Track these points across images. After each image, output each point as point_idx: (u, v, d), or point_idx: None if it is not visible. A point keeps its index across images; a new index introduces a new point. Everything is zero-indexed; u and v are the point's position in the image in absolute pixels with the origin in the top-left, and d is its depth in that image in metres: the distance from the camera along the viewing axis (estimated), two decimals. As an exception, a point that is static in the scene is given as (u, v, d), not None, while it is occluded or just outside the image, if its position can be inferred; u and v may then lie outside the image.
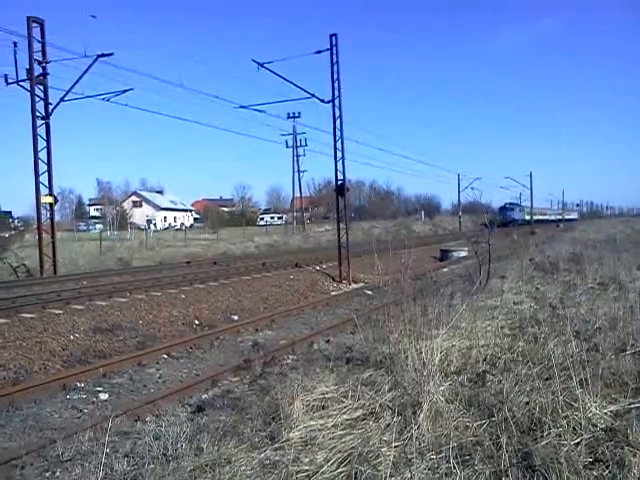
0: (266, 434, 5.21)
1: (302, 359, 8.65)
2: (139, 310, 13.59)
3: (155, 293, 15.23)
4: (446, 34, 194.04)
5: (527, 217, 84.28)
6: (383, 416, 5.39)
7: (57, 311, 12.44)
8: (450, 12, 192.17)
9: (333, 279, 21.33)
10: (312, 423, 5.31)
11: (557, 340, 7.06)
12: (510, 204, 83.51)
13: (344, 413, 5.51)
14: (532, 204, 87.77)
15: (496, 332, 8.16)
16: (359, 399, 5.82)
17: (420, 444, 4.68)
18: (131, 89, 22.20)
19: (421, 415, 5.11)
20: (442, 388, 5.72)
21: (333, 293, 19.52)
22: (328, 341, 10.87)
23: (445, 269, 25.13)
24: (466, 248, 28.88)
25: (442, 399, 5.43)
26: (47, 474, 5.04)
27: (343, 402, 5.79)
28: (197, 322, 13.91)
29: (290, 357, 9.35)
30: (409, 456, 4.47)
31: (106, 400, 8.21)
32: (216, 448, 4.76)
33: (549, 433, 4.52)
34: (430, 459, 4.43)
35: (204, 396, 7.73)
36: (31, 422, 7.24)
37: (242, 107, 25.17)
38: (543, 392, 5.19)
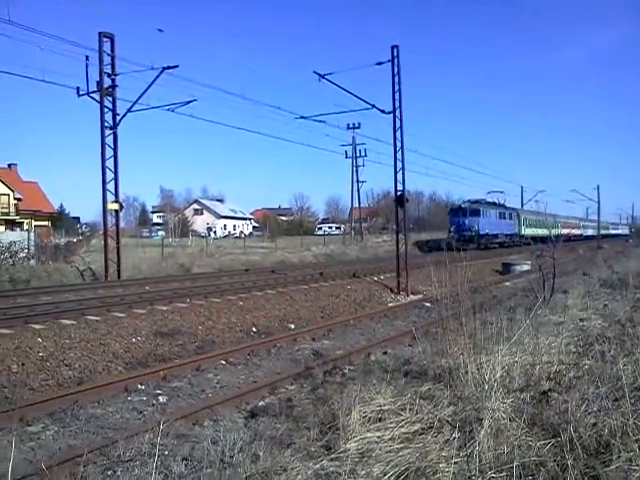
0: (322, 444, 5.17)
1: (359, 370, 8.59)
2: (198, 316, 13.83)
3: (214, 299, 15.47)
4: (511, 44, 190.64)
5: (528, 231, 55.39)
6: (442, 431, 5.27)
7: (120, 314, 12.79)
8: (512, 22, 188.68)
9: (391, 290, 21.16)
10: (369, 435, 5.24)
11: (627, 359, 6.75)
12: (475, 203, 47.35)
13: (402, 426, 5.42)
14: (599, 218, 76.07)
15: (561, 349, 7.88)
16: (417, 413, 5.72)
17: (481, 462, 4.54)
18: (194, 100, 22.66)
19: (482, 432, 4.96)
20: (504, 405, 5.54)
21: (391, 304, 19.34)
22: (385, 353, 10.75)
23: (507, 283, 24.53)
24: (529, 262, 28.14)
25: (504, 416, 5.26)
26: (109, 472, 5.16)
27: (401, 415, 5.70)
28: (254, 329, 14.04)
29: (347, 367, 9.30)
30: (469, 474, 4.36)
31: (165, 403, 8.37)
32: (272, 456, 4.75)
33: (619, 457, 4.30)
34: (491, 477, 4.29)
35: (261, 403, 7.78)
36: (95, 421, 7.44)
37: (302, 118, 25.46)
38: (612, 413, 4.95)
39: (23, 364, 9.41)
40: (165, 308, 13.91)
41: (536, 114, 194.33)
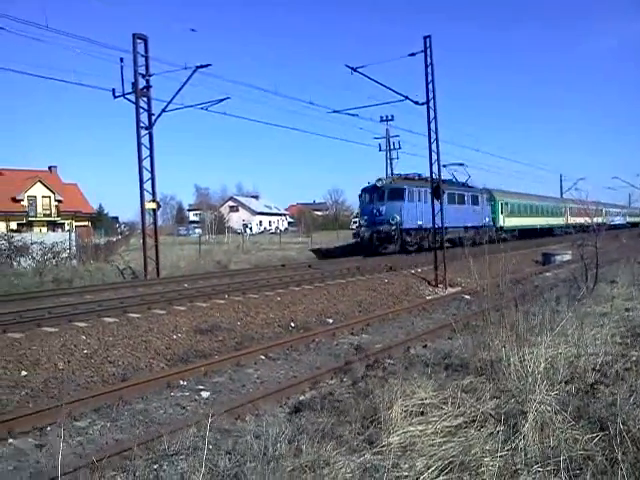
0: (364, 438, 5.17)
1: (399, 364, 8.55)
2: (237, 312, 13.94)
3: (252, 295, 15.58)
4: (548, 32, 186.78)
5: (511, 221, 42.32)
6: (485, 425, 5.21)
7: (161, 311, 12.98)
8: (550, 9, 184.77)
9: (429, 283, 21.00)
10: (411, 429, 5.22)
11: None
12: (404, 179, 32.55)
13: (444, 420, 5.38)
14: None
15: (606, 340, 7.71)
16: (459, 406, 5.67)
17: (526, 455, 4.48)
18: (228, 98, 22.68)
19: (526, 425, 4.89)
20: (548, 398, 5.44)
21: (429, 297, 19.20)
22: (425, 346, 10.69)
23: (548, 273, 24.12)
24: (570, 251, 27.57)
25: (549, 409, 5.17)
26: (155, 466, 5.24)
27: (443, 409, 5.66)
28: (293, 324, 14.09)
29: (387, 361, 9.27)
30: (515, 467, 4.29)
31: (207, 398, 8.46)
32: (315, 449, 4.77)
33: (671, 450, 4.19)
34: (537, 472, 4.23)
35: (302, 397, 7.81)
36: (139, 416, 7.58)
37: (335, 112, 25.27)
38: (663, 406, 4.82)
39: (69, 361, 9.63)
40: (204, 305, 14.06)
41: (573, 103, 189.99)
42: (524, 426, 4.89)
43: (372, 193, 30.29)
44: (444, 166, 34.87)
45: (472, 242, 32.70)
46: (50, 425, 7.03)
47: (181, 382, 9.12)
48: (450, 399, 5.80)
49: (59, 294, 16.85)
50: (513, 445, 4.64)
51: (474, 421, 5.30)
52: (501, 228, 39.85)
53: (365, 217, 30.29)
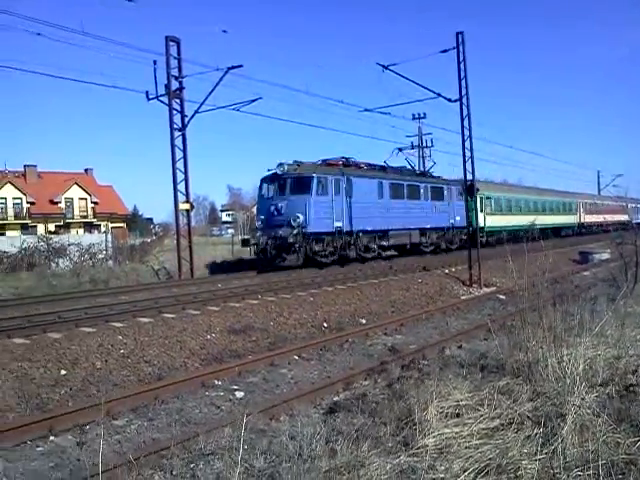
0: (400, 439, 5.15)
1: (434, 365, 8.48)
2: (270, 312, 13.99)
3: (285, 295, 15.62)
4: (584, 25, 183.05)
5: (498, 220, 35.31)
6: (523, 427, 5.14)
7: (195, 312, 13.11)
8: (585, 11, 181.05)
9: (463, 283, 20.79)
10: (447, 431, 5.17)
11: None
12: (321, 165, 23.68)
13: (480, 422, 5.32)
14: None
15: (648, 341, 7.52)
16: (496, 408, 5.60)
17: (565, 459, 4.39)
18: (259, 98, 22.70)
19: (565, 428, 4.80)
20: (588, 400, 5.34)
21: (463, 297, 19.00)
22: (460, 347, 10.59)
23: (586, 272, 23.66)
24: (608, 250, 27.01)
25: (588, 412, 5.07)
26: (191, 465, 5.30)
27: (479, 410, 5.60)
28: (326, 325, 14.09)
29: (421, 362, 9.21)
30: (553, 471, 4.22)
31: (242, 398, 8.52)
32: (350, 451, 4.76)
33: None
34: (577, 476, 4.15)
35: (336, 398, 7.81)
36: (175, 416, 7.66)
37: (367, 110, 25.25)
38: None
39: (106, 361, 9.80)
40: (237, 305, 14.15)
41: (613, 101, 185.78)
42: (563, 429, 4.80)
43: (273, 184, 22.36)
44: (399, 150, 31.35)
45: (434, 249, 29.08)
46: (89, 423, 7.17)
47: (216, 382, 9.19)
48: (486, 401, 5.73)
49: (96, 295, 17.15)
50: (551, 448, 4.56)
51: (511, 423, 5.23)
52: (481, 229, 30.99)
53: (262, 217, 22.38)
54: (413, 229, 26.93)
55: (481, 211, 32.05)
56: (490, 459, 4.51)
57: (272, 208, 21.73)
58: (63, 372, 9.06)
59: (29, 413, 7.73)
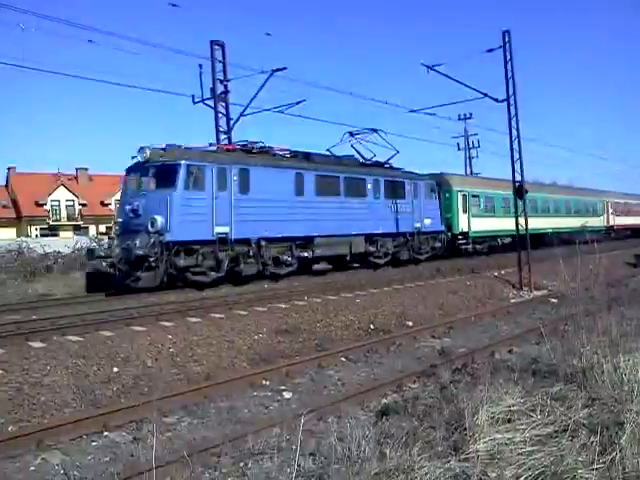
0: (449, 444, 5.08)
1: (483, 369, 8.34)
2: (316, 313, 14.02)
3: (331, 297, 15.62)
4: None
5: (481, 223, 28.67)
6: (578, 435, 5.01)
7: (242, 312, 13.23)
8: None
9: (513, 286, 20.39)
10: (498, 436, 5.08)
11: None
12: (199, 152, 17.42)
13: (533, 428, 5.21)
14: None
15: None
16: (549, 415, 5.48)
17: (624, 469, 4.25)
18: (304, 100, 22.64)
19: (624, 437, 4.65)
20: (647, 408, 5.16)
21: (513, 301, 18.65)
22: (511, 351, 10.39)
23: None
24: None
25: (648, 420, 4.90)
26: (241, 464, 5.35)
27: (531, 416, 5.49)
28: (372, 327, 14.02)
29: (471, 366, 9.07)
30: (612, 481, 4.09)
31: (289, 399, 8.55)
32: (399, 454, 4.72)
33: None
34: (637, 487, 4.01)
35: (384, 401, 7.76)
36: (224, 415, 7.75)
37: (412, 111, 25.02)
38: None
39: (156, 359, 9.99)
40: (284, 306, 14.22)
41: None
42: (621, 438, 4.66)
43: (135, 175, 17.12)
44: (352, 134, 24.15)
45: (390, 260, 23.22)
46: (142, 420, 7.32)
47: (264, 382, 9.25)
48: (539, 407, 5.62)
49: (146, 294, 17.44)
50: (609, 458, 4.42)
51: (565, 430, 5.11)
52: (465, 235, 27.66)
53: (119, 220, 17.12)
54: (356, 235, 21.21)
55: (464, 212, 27.73)
56: (544, 467, 4.41)
57: (128, 208, 16.33)
58: (115, 369, 9.27)
59: (84, 409, 7.94)
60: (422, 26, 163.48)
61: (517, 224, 21.51)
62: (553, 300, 17.16)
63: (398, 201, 23.43)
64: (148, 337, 10.67)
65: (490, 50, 20.85)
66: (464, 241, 27.98)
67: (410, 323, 14.62)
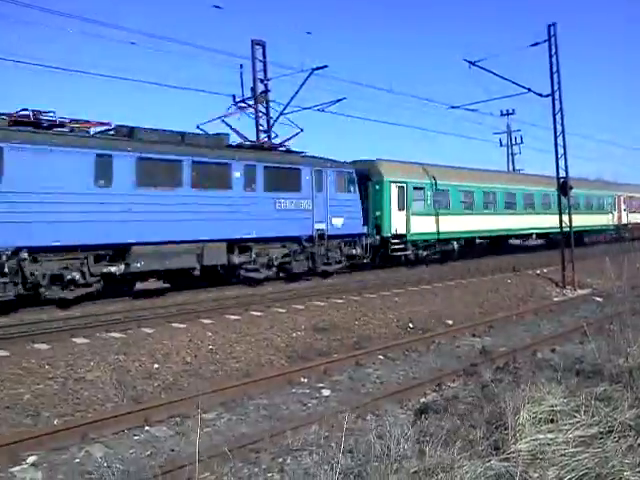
0: (490, 443, 5.00)
1: (525, 368, 8.19)
2: (354, 311, 13.99)
3: (369, 295, 15.58)
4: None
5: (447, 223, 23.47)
6: (624, 436, 4.86)
7: (280, 310, 13.31)
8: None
9: (556, 284, 19.97)
10: (540, 436, 4.98)
11: None
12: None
13: (577, 429, 5.09)
14: None
15: None
16: (593, 415, 5.35)
17: (673, 472, 4.11)
18: (344, 98, 22.52)
19: (673, 439, 4.50)
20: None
21: (556, 299, 18.26)
22: (553, 350, 10.18)
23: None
24: None
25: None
26: (279, 460, 5.37)
27: (575, 417, 5.36)
28: (411, 325, 13.92)
29: (512, 365, 8.92)
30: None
31: (328, 396, 8.55)
32: (438, 453, 4.67)
33: None
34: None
35: (423, 399, 7.69)
36: (263, 411, 7.79)
37: (453, 107, 24.77)
38: None
39: (196, 356, 10.11)
40: (322, 304, 14.24)
41: None
42: (670, 440, 4.51)
43: None
44: (238, 103, 20.58)
45: (276, 273, 17.93)
46: (179, 416, 7.41)
47: (302, 379, 9.27)
48: (583, 407, 5.49)
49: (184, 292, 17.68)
50: (657, 460, 4.28)
51: (611, 432, 4.98)
52: (401, 238, 21.75)
53: None
54: (209, 241, 15.85)
55: (401, 209, 21.74)
56: (588, 468, 4.30)
57: None
58: (156, 366, 9.42)
59: (125, 403, 8.09)
60: (463, 21, 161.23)
61: (561, 221, 21.04)
62: (598, 299, 16.77)
63: (289, 195, 17.65)
64: (188, 334, 10.82)
65: (535, 44, 20.48)
66: (401, 246, 21.96)
67: (450, 321, 14.46)
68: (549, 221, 26.75)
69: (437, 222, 23.33)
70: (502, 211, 27.20)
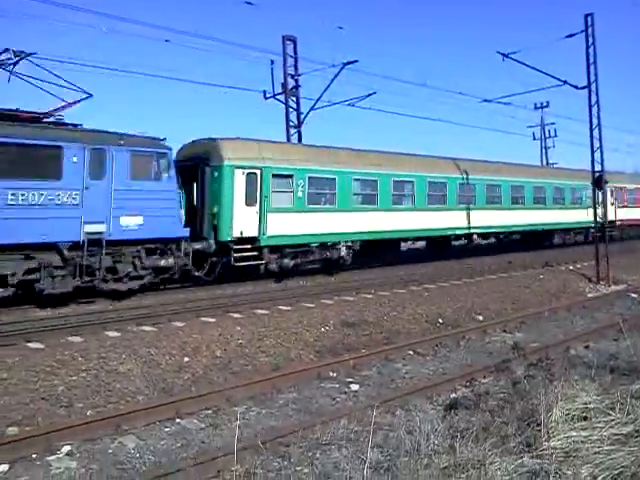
0: (521, 440, 4.94)
1: (558, 365, 8.05)
2: (383, 306, 13.91)
3: (398, 290, 15.49)
4: None
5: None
6: (661, 435, 4.74)
7: (309, 304, 13.31)
8: None
9: (589, 280, 19.58)
10: (573, 434, 4.89)
11: None
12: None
13: (611, 427, 5.00)
14: None
15: None
16: (629, 413, 5.23)
17: None
18: (374, 93, 22.48)
19: None
20: None
21: (589, 295, 17.91)
22: (587, 347, 9.99)
23: None
24: None
25: None
26: (309, 454, 5.37)
27: (609, 415, 5.25)
28: (441, 321, 13.79)
29: (545, 362, 8.77)
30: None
31: (357, 391, 8.53)
32: (469, 449, 4.62)
33: None
34: None
35: (453, 395, 7.62)
36: (292, 405, 7.82)
37: (486, 101, 24.54)
38: None
39: (225, 350, 10.17)
40: (351, 299, 14.21)
41: None
42: None
43: None
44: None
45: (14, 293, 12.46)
46: (209, 409, 7.48)
47: (331, 374, 9.27)
48: (618, 405, 5.38)
49: (215, 287, 17.77)
50: (697, 460, 4.17)
51: (647, 430, 4.85)
52: (252, 243, 15.99)
53: None
54: None
55: (251, 204, 15.95)
56: (624, 467, 4.22)
57: None
58: (186, 359, 9.50)
59: (156, 396, 8.19)
60: (496, 14, 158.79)
61: (595, 216, 20.66)
62: (633, 295, 16.42)
63: (35, 184, 12.00)
64: (218, 328, 10.89)
65: (570, 35, 20.08)
66: (252, 254, 16.09)
67: (480, 317, 14.30)
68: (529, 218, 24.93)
69: (310, 220, 17.31)
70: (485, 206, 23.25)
